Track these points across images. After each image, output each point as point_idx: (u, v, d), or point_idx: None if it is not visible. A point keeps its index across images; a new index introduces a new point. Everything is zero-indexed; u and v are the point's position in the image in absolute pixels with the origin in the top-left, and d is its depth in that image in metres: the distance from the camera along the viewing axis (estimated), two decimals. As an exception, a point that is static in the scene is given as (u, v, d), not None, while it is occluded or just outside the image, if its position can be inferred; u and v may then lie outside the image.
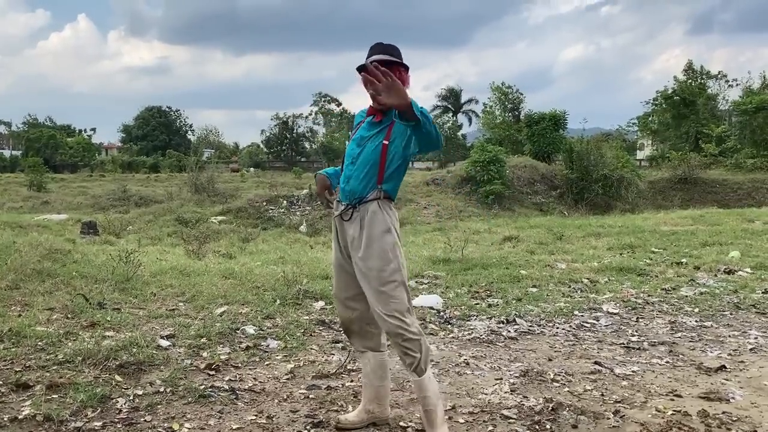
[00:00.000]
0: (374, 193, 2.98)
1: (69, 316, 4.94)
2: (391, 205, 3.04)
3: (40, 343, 4.16)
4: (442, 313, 5.66)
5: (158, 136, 72.20)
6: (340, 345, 4.64)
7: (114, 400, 3.36)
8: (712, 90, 40.69)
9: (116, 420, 3.13)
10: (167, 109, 76.78)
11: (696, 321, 5.57)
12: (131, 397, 3.41)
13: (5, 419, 3.04)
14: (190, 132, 78.79)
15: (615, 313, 5.81)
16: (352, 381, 3.87)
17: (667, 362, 4.42)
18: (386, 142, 2.94)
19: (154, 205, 24.72)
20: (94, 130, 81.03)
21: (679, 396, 3.72)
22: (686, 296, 6.48)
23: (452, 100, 61.99)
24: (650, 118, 41.38)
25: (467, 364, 4.31)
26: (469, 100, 61.05)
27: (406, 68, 2.99)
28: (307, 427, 3.15)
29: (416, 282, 7.05)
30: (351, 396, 3.61)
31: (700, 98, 37.82)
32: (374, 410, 3.20)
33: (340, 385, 3.80)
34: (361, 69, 2.91)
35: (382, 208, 2.98)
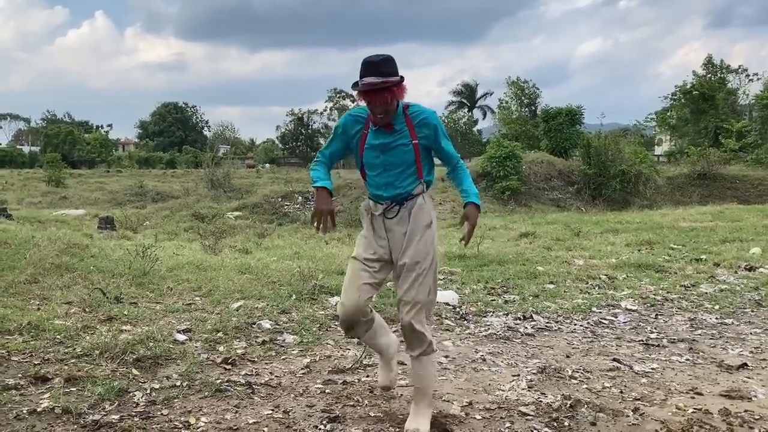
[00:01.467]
0: (419, 188, 3.12)
1: (87, 309, 4.98)
2: (430, 194, 3.24)
3: (58, 337, 4.19)
4: (458, 309, 5.63)
5: (174, 132, 72.73)
6: (355, 340, 4.62)
7: (131, 394, 3.37)
8: (732, 84, 40.12)
9: (133, 413, 3.14)
10: (183, 105, 77.36)
11: (716, 318, 5.49)
12: (148, 391, 3.42)
13: (24, 411, 3.06)
14: (206, 128, 79.30)
15: (633, 310, 5.75)
16: (368, 376, 3.85)
17: (687, 360, 4.36)
18: (416, 141, 3.06)
19: (170, 200, 24.91)
20: (111, 126, 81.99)
21: (700, 394, 3.67)
22: (706, 293, 6.40)
23: (467, 95, 61.80)
24: (668, 113, 40.87)
25: (484, 360, 4.28)
26: (485, 95, 60.84)
27: (402, 79, 2.94)
28: (323, 422, 3.14)
29: (432, 278, 7.01)
30: (367, 391, 3.60)
31: (719, 93, 37.29)
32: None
33: (356, 380, 3.78)
34: (354, 87, 2.95)
35: (425, 200, 3.15)
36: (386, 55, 2.97)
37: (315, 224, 3.06)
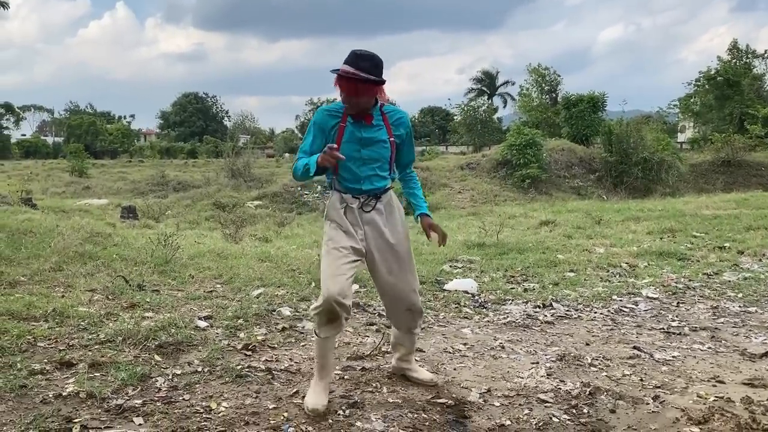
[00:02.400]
0: (389, 183, 3.30)
1: (110, 297, 5.05)
2: None
3: (82, 323, 4.26)
4: (476, 297, 5.63)
5: (195, 122, 73.21)
6: (374, 327, 4.65)
7: (153, 379, 3.42)
8: (758, 70, 39.34)
9: (156, 398, 3.19)
10: (204, 95, 77.81)
11: (739, 306, 5.43)
12: (170, 376, 3.47)
13: (50, 395, 3.13)
14: (226, 118, 79.67)
15: (655, 298, 5.70)
16: (386, 363, 3.87)
17: (709, 348, 4.32)
18: (392, 139, 3.22)
19: (191, 190, 25.13)
20: (133, 116, 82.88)
21: (722, 382, 3.63)
22: (729, 281, 6.32)
23: (487, 82, 61.32)
24: (692, 100, 40.20)
25: (503, 347, 4.27)
26: (505, 83, 60.34)
27: (377, 81, 3.02)
28: (343, 408, 3.16)
29: (450, 266, 7.02)
30: (385, 377, 3.62)
31: (745, 78, 36.60)
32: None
33: (375, 367, 3.80)
34: (335, 71, 3.01)
35: (394, 193, 3.34)
36: (374, 54, 3.05)
37: (331, 159, 2.94)
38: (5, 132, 62.41)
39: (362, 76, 2.97)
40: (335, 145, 2.99)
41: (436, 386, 3.47)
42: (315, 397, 3.13)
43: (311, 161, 3.04)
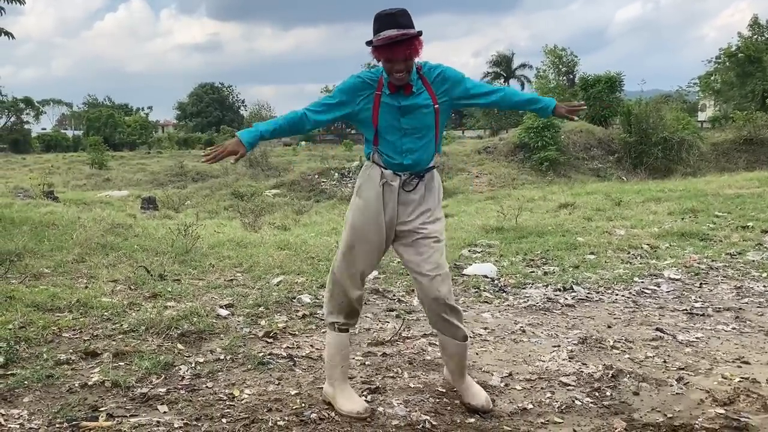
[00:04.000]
0: (435, 160, 2.97)
1: (132, 287, 5.11)
2: None
3: (105, 314, 4.31)
4: (496, 282, 5.60)
5: (212, 112, 73.44)
6: (394, 313, 4.65)
7: (177, 368, 3.46)
8: (780, 45, 38.52)
9: (179, 386, 3.23)
10: (220, 86, 77.93)
11: (764, 286, 5.35)
12: (193, 365, 3.51)
13: (76, 385, 3.18)
14: (242, 108, 79.82)
15: (677, 279, 5.63)
16: (407, 348, 3.88)
17: (734, 329, 4.26)
18: (437, 106, 2.87)
19: (210, 180, 25.29)
20: (150, 108, 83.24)
21: (747, 363, 3.59)
22: (753, 261, 6.23)
23: (504, 66, 60.69)
24: (713, 78, 39.53)
25: (523, 331, 4.26)
26: (522, 65, 59.67)
27: (420, 32, 2.73)
28: (364, 393, 3.17)
29: (469, 251, 6.99)
30: (406, 363, 3.62)
31: (766, 54, 35.87)
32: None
33: (396, 352, 3.81)
34: (369, 43, 2.74)
35: (437, 171, 3.01)
36: (401, 7, 2.74)
37: (211, 152, 2.78)
38: (26, 126, 63.15)
39: (412, 32, 2.69)
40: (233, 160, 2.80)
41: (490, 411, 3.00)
42: (351, 402, 2.95)
43: (243, 133, 2.79)
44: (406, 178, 2.89)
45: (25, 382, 3.17)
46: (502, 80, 58.74)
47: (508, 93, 3.04)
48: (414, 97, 2.83)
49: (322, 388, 3.20)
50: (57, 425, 2.77)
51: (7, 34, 9.86)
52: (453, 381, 3.16)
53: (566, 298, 5.07)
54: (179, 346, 3.80)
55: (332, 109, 2.90)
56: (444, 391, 3.22)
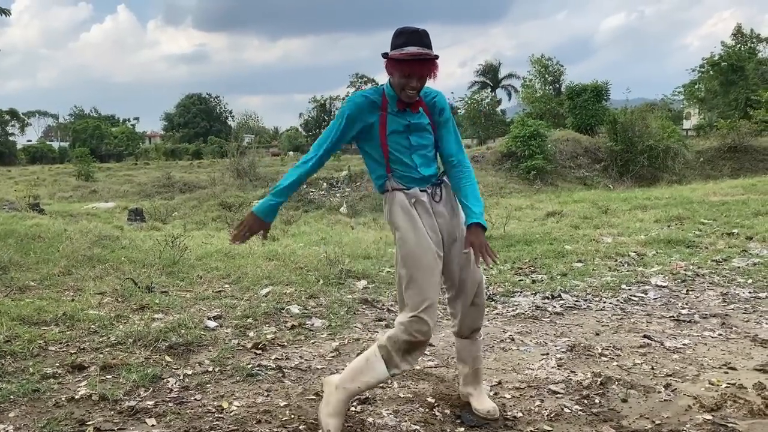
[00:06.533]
0: (439, 171, 2.97)
1: (119, 299, 5.07)
2: None
3: (92, 326, 4.28)
4: (485, 290, 5.61)
5: (199, 123, 73.31)
6: (383, 323, 4.65)
7: (165, 380, 3.44)
8: (762, 54, 38.99)
9: (168, 399, 3.20)
10: (207, 96, 77.84)
11: (749, 292, 5.40)
12: (181, 377, 3.49)
13: (63, 399, 3.14)
14: (230, 118, 79.73)
15: (664, 286, 5.68)
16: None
17: (720, 335, 4.30)
18: (432, 124, 2.89)
19: (197, 190, 25.17)
20: (137, 119, 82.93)
21: (734, 369, 3.62)
22: (738, 267, 6.29)
23: (490, 75, 61.02)
24: (697, 86, 39.97)
25: (512, 339, 4.27)
26: (509, 75, 60.02)
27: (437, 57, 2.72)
28: (354, 404, 3.16)
29: (458, 259, 7.00)
30: (396, 373, 3.61)
31: (749, 63, 36.33)
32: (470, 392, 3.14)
33: (385, 363, 3.80)
34: (385, 55, 2.72)
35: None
36: (423, 28, 2.73)
37: (239, 231, 2.88)
38: (11, 138, 62.71)
39: (434, 54, 2.67)
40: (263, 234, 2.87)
41: (494, 420, 2.99)
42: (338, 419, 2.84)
43: (262, 209, 2.89)
44: (431, 190, 2.88)
45: (11, 397, 3.13)
46: (489, 89, 59.06)
47: (468, 175, 2.91)
48: (420, 116, 2.84)
49: (311, 399, 3.19)
50: (43, 440, 2.74)
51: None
52: (468, 390, 3.13)
53: (554, 306, 5.09)
54: (167, 358, 3.77)
55: (343, 130, 2.82)
56: (433, 401, 3.22)
